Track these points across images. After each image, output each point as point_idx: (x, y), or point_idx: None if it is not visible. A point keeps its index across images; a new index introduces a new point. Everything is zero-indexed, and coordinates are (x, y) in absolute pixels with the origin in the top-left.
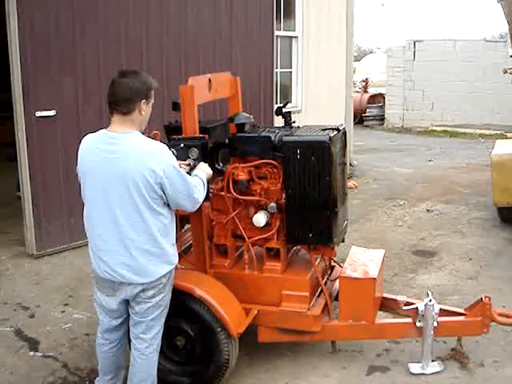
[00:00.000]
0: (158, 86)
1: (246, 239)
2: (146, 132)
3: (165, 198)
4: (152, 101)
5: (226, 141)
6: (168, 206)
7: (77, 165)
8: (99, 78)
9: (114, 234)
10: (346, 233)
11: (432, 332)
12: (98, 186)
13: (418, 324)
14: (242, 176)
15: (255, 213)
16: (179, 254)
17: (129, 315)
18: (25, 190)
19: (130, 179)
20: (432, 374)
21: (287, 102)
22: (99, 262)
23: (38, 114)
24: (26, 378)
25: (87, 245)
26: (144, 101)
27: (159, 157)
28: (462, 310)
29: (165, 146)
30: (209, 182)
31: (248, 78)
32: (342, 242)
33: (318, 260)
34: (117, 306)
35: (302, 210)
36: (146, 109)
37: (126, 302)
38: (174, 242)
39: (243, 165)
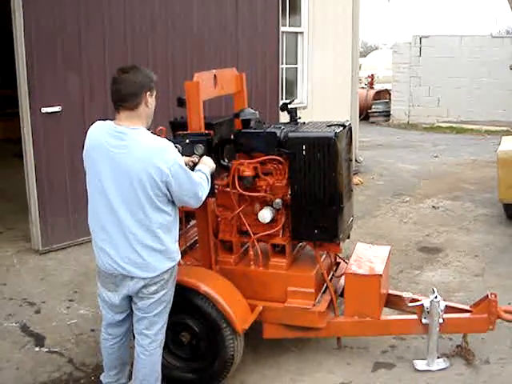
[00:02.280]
0: (157, 79)
1: (252, 235)
2: (152, 128)
3: (169, 195)
4: (155, 92)
5: (232, 137)
6: (172, 203)
7: (82, 158)
8: (105, 74)
9: (117, 227)
10: (352, 229)
11: (437, 329)
12: (103, 179)
13: (423, 321)
14: (248, 172)
15: (261, 209)
16: (185, 249)
17: (132, 310)
18: (30, 185)
19: (136, 176)
20: (437, 370)
21: (293, 100)
22: (102, 254)
23: (44, 110)
24: (31, 374)
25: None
26: (149, 93)
27: (166, 155)
28: (467, 307)
29: (171, 143)
30: (213, 176)
31: (253, 74)
32: (348, 238)
33: (324, 256)
34: (119, 302)
35: (308, 206)
36: (151, 101)
37: (129, 298)
38: (177, 238)
39: (249, 161)
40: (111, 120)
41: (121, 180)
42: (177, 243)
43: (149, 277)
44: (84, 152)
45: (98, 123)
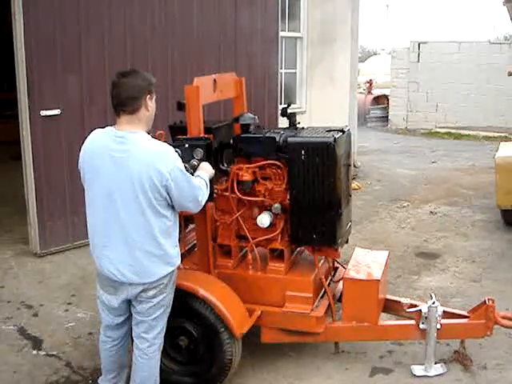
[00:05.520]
0: (156, 81)
1: (250, 240)
2: (151, 132)
3: (169, 199)
4: (154, 96)
5: (231, 141)
6: (172, 208)
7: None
8: (104, 77)
9: (118, 233)
10: (350, 234)
11: (435, 334)
12: (104, 184)
13: (421, 326)
14: (247, 177)
15: (259, 213)
16: (183, 254)
17: (131, 314)
18: (29, 188)
19: (136, 179)
20: (435, 376)
21: (290, 103)
22: (101, 259)
23: (43, 112)
24: (29, 377)
25: None
26: (148, 96)
27: (166, 158)
28: (465, 313)
29: (171, 147)
30: (212, 181)
31: (253, 79)
32: (346, 243)
33: (322, 261)
34: (118, 305)
35: (307, 211)
36: (151, 104)
37: (128, 301)
38: (177, 243)
39: (248, 165)
40: (110, 125)
41: (122, 184)
42: (177, 248)
43: (147, 282)
44: (82, 159)
45: (97, 131)
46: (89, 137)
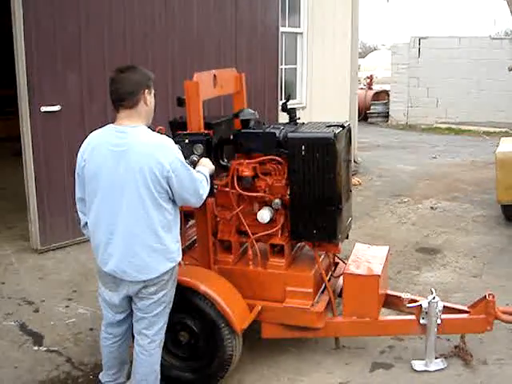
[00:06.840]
0: (155, 77)
1: (251, 235)
2: (151, 127)
3: (170, 192)
4: (153, 91)
5: (231, 137)
6: (173, 201)
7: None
8: (104, 74)
9: (119, 228)
10: (350, 229)
11: (435, 329)
12: (106, 179)
13: (421, 321)
14: (247, 172)
15: (260, 209)
16: (183, 249)
17: (132, 310)
18: (29, 184)
19: (138, 172)
20: (435, 371)
21: (289, 96)
22: (104, 256)
23: (43, 109)
24: (30, 373)
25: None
26: (147, 91)
27: (166, 151)
28: (465, 308)
29: (172, 140)
30: (212, 177)
31: (253, 75)
32: (346, 238)
33: (322, 256)
34: (119, 302)
35: (307, 206)
36: (150, 99)
37: (129, 298)
38: (178, 238)
39: (248, 161)
40: (110, 122)
41: (123, 177)
42: (178, 244)
43: (148, 279)
44: (82, 161)
45: (95, 133)
46: (88, 136)
